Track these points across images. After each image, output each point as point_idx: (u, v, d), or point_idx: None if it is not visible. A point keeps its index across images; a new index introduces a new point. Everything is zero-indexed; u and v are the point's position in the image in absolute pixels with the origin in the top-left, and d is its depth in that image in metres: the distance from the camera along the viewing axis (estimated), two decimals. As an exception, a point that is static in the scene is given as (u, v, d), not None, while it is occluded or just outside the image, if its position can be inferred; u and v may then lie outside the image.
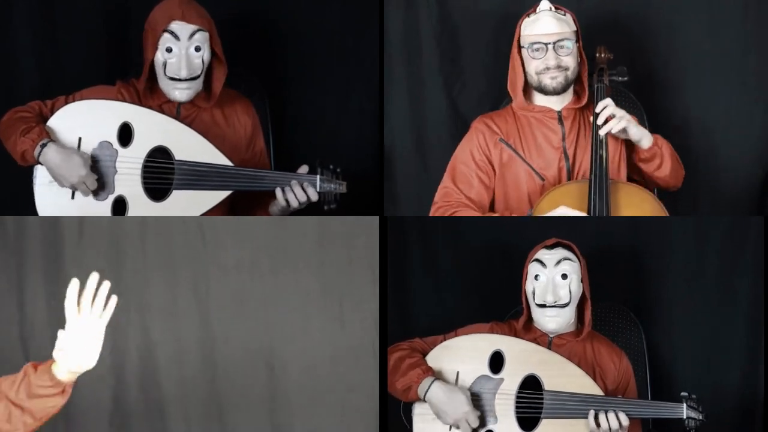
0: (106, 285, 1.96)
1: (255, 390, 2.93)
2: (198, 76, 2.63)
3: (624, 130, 2.62)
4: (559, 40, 2.62)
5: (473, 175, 2.72)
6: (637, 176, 2.76)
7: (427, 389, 2.48)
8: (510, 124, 2.74)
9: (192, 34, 2.60)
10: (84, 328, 1.94)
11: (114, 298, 1.96)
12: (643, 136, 2.64)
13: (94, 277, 1.95)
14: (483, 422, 2.48)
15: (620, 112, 2.61)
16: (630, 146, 2.71)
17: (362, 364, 2.90)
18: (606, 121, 2.61)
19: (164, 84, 2.64)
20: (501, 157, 2.72)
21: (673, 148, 2.73)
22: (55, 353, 1.94)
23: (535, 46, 2.64)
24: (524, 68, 2.70)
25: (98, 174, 2.56)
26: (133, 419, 2.93)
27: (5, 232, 2.94)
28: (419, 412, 2.54)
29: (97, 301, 1.95)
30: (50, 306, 2.92)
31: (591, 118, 2.68)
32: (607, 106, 2.62)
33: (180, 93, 2.63)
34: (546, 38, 2.63)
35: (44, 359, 2.88)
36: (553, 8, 2.65)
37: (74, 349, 1.93)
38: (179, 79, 2.61)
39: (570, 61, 2.65)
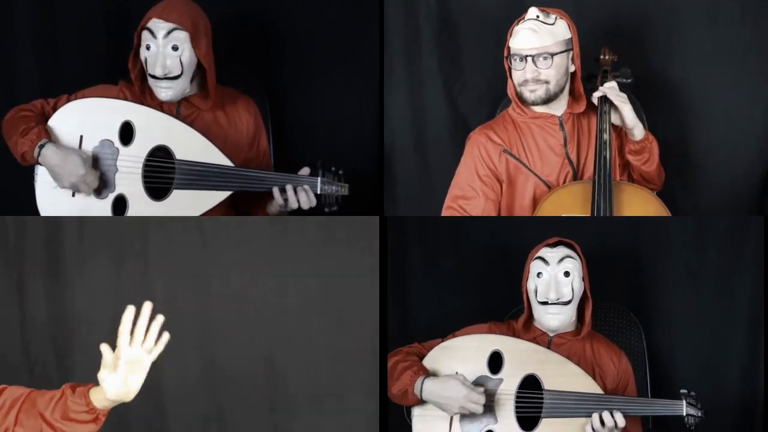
0: (160, 319, 1.90)
1: (255, 390, 2.93)
2: (178, 77, 2.62)
3: (619, 114, 2.64)
4: (537, 54, 2.59)
5: (479, 192, 2.69)
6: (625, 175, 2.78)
7: (421, 388, 2.48)
8: (511, 133, 2.72)
9: (168, 33, 2.59)
10: (132, 360, 1.88)
11: (166, 335, 1.91)
12: (636, 126, 2.65)
13: (148, 306, 1.89)
14: (482, 422, 2.48)
15: (620, 96, 2.63)
16: (621, 140, 2.72)
17: (362, 365, 2.90)
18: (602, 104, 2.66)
19: (150, 82, 2.64)
20: (507, 168, 2.70)
21: None
22: (100, 375, 1.87)
23: (515, 57, 2.62)
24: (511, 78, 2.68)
25: (99, 171, 2.56)
26: (133, 419, 2.93)
27: (5, 232, 2.94)
28: (418, 413, 2.54)
29: (149, 335, 1.89)
30: (50, 306, 2.93)
31: (591, 121, 2.68)
32: (612, 87, 2.64)
33: (163, 92, 2.62)
34: (523, 52, 2.59)
35: (44, 359, 2.91)
36: (540, 15, 2.60)
37: (118, 379, 1.87)
38: (157, 78, 2.61)
39: (550, 74, 2.60)
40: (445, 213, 2.75)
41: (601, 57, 2.75)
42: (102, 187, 2.57)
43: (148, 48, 2.60)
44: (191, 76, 2.66)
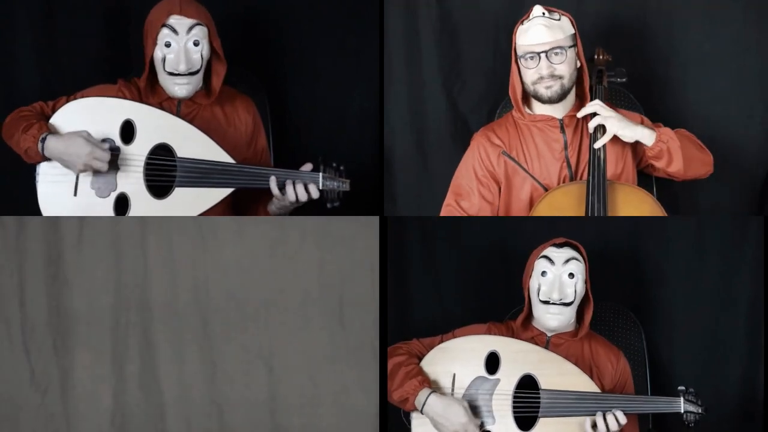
0: None
1: (255, 390, 2.93)
2: (197, 71, 2.64)
3: (616, 137, 2.61)
4: (551, 49, 2.59)
5: (475, 192, 2.71)
6: (655, 173, 2.74)
7: (424, 402, 2.47)
8: (512, 134, 2.72)
9: (190, 28, 2.61)
10: None
11: None
12: (640, 136, 2.60)
13: None
14: (481, 424, 2.48)
15: (607, 114, 2.59)
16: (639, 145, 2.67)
17: (362, 364, 2.90)
18: (596, 133, 2.61)
19: (164, 80, 2.65)
20: (505, 169, 2.70)
21: (689, 134, 2.69)
22: None
23: (528, 55, 2.61)
24: (522, 77, 2.67)
25: (98, 179, 2.56)
26: (134, 419, 2.93)
27: (5, 232, 2.94)
28: (417, 415, 2.54)
29: None
30: (50, 306, 2.92)
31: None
32: (595, 116, 2.60)
33: (179, 88, 2.63)
34: (538, 48, 2.59)
35: (44, 359, 2.91)
36: (546, 13, 2.60)
37: None
38: (178, 74, 2.62)
39: (564, 69, 2.61)
40: (443, 210, 2.76)
41: (596, 57, 2.75)
42: (103, 188, 2.58)
43: (167, 45, 2.61)
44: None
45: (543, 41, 2.59)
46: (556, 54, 2.59)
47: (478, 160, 2.72)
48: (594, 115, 2.63)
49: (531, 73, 2.63)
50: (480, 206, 2.71)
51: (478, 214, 2.70)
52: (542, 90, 2.63)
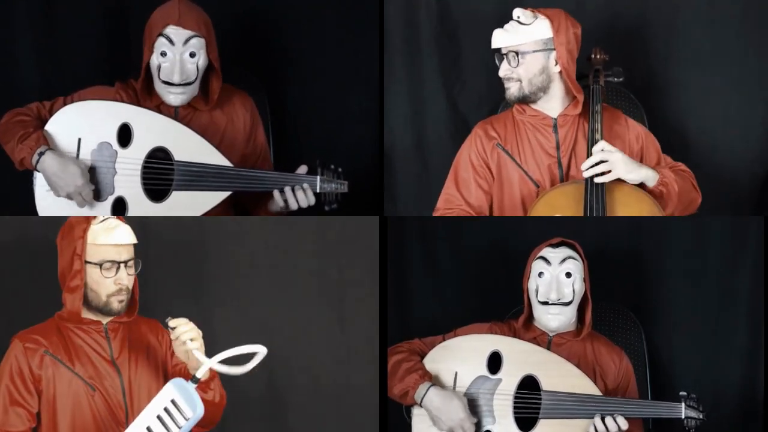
0: None
1: (255, 390, 2.93)
2: (192, 82, 2.63)
3: (620, 179, 2.59)
4: (508, 52, 2.64)
5: (471, 181, 2.73)
6: None
7: (423, 395, 2.48)
8: (508, 129, 2.74)
9: (187, 40, 2.59)
10: None
11: None
12: (644, 178, 2.59)
13: None
14: (481, 423, 2.48)
15: (614, 159, 2.57)
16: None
17: (362, 364, 2.90)
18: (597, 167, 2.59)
19: (159, 87, 2.64)
20: (498, 161, 2.72)
21: (686, 176, 2.70)
22: None
23: (496, 56, 2.68)
24: None
25: (96, 183, 2.57)
26: (133, 419, 2.93)
27: (5, 232, 2.94)
28: (418, 412, 2.54)
29: None
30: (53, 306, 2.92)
31: (587, 125, 2.67)
32: (602, 150, 2.58)
33: (174, 98, 2.63)
34: (500, 50, 2.66)
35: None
36: (522, 16, 2.64)
37: None
38: (172, 84, 2.61)
39: (521, 72, 2.64)
40: (441, 198, 2.77)
41: (593, 56, 2.75)
42: (96, 198, 2.58)
43: (163, 54, 2.60)
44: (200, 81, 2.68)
45: (496, 45, 2.66)
46: (513, 57, 2.63)
47: (474, 151, 2.74)
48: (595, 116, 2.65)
49: (500, 72, 2.68)
50: (476, 195, 2.73)
51: (476, 202, 2.72)
52: (505, 89, 2.68)
